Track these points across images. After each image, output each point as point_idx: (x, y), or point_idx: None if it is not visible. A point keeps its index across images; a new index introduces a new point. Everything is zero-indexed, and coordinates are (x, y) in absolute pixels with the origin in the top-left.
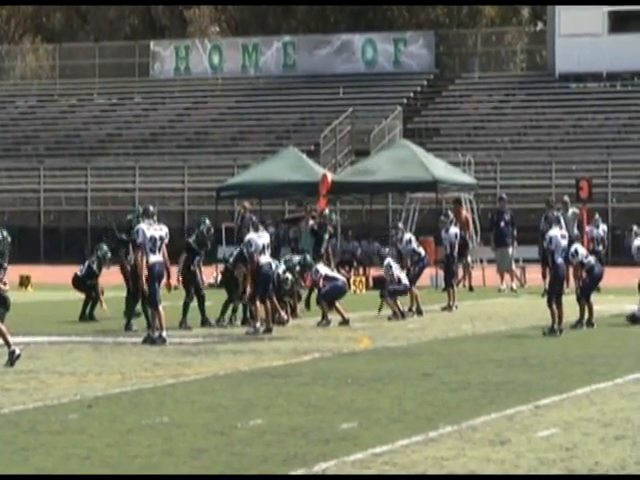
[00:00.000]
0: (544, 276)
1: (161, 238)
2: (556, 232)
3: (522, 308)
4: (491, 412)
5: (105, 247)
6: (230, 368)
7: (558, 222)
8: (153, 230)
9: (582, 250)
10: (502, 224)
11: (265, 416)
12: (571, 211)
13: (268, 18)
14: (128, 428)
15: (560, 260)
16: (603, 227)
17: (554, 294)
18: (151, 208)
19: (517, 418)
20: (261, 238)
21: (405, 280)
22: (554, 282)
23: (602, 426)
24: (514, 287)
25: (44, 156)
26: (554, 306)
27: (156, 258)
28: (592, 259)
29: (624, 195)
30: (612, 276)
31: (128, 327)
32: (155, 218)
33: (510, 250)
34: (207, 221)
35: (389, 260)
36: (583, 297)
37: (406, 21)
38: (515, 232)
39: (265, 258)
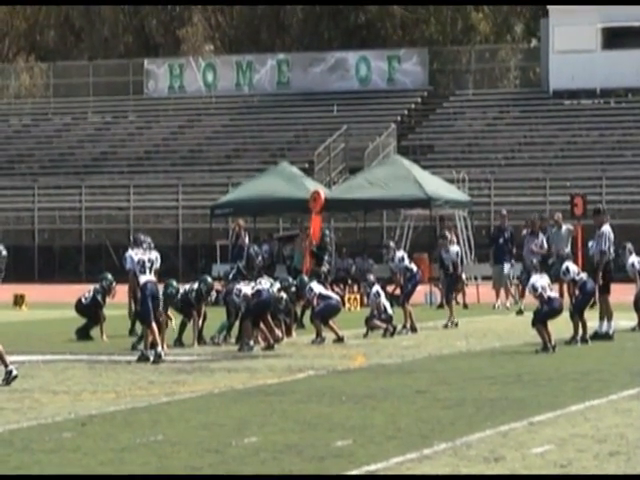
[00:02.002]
0: (522, 295)
1: (150, 260)
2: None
3: (516, 325)
4: (485, 429)
5: (110, 276)
6: (225, 386)
7: (537, 270)
8: (141, 254)
9: (573, 267)
10: (501, 241)
11: (260, 434)
12: (565, 228)
13: (262, 36)
14: (122, 446)
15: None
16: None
17: (543, 317)
18: (141, 237)
19: (511, 435)
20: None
21: (390, 310)
22: (541, 309)
23: (596, 442)
24: (508, 305)
25: (38, 174)
26: (540, 326)
27: (147, 278)
28: (584, 275)
29: (618, 212)
30: None
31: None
32: (145, 246)
33: (507, 267)
34: (209, 280)
35: (377, 288)
36: (576, 313)
37: (400, 38)
38: (514, 250)
39: (264, 283)
